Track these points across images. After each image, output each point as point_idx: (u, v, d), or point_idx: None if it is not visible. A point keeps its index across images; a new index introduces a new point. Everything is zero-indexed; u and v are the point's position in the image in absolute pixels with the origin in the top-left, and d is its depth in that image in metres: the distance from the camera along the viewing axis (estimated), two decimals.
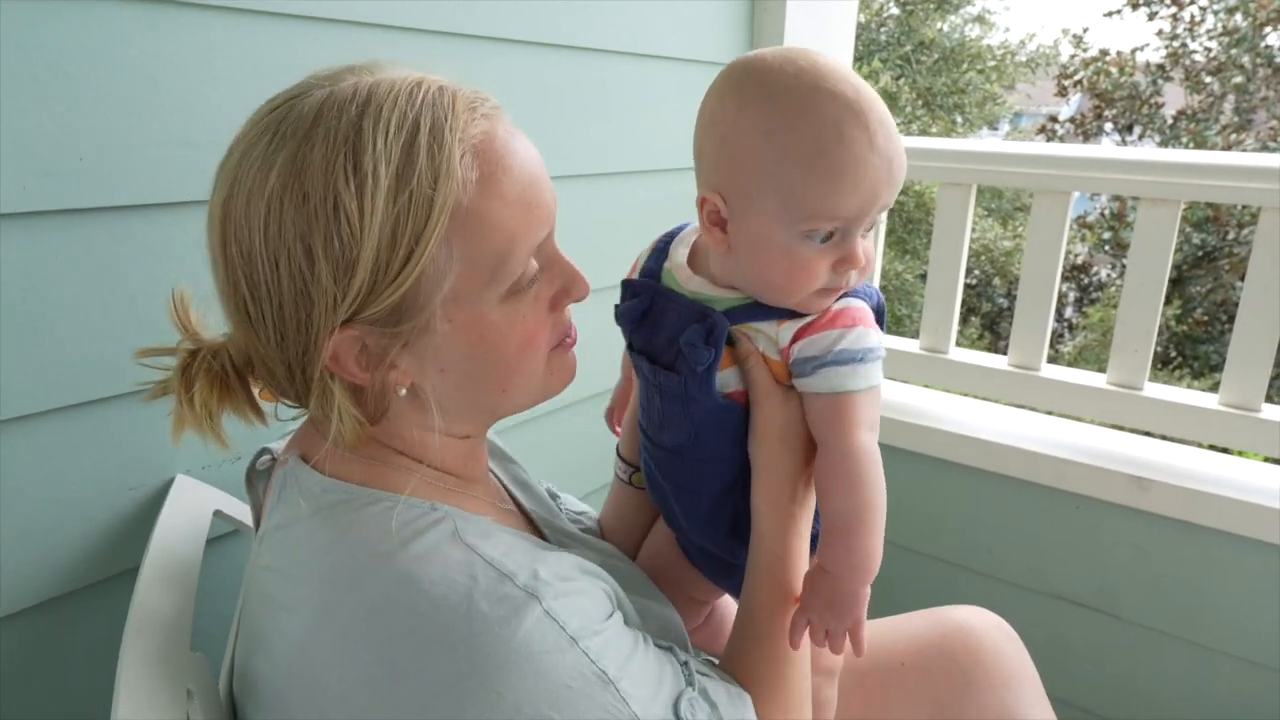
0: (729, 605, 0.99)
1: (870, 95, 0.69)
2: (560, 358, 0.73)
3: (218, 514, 0.92)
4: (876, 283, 1.80)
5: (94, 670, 0.91)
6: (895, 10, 11.37)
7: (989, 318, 11.97)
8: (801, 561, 0.78)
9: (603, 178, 1.44)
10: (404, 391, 0.66)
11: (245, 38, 0.91)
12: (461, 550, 0.62)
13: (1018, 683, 1.01)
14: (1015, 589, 1.64)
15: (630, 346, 0.82)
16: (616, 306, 0.82)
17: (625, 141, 1.45)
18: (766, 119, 0.68)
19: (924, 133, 11.23)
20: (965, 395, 1.76)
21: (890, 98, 10.56)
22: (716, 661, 0.80)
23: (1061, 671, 1.26)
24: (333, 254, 0.58)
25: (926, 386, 1.80)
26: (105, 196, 0.83)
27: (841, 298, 0.75)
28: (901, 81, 10.72)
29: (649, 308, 0.80)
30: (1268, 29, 11.61)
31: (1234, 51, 11.85)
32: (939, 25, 11.32)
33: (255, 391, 0.71)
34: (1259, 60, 11.74)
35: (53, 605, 0.88)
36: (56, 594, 0.87)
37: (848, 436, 0.73)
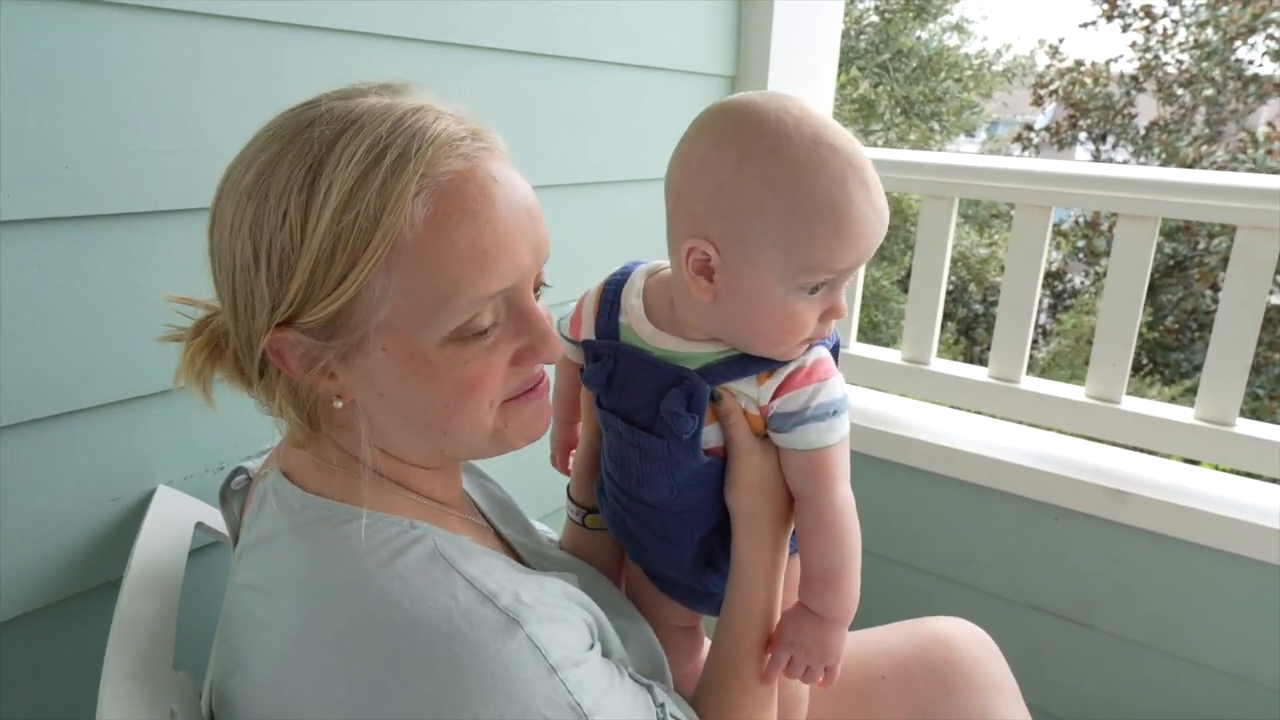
0: None
1: (861, 148, 0.70)
2: (517, 409, 0.69)
3: (199, 526, 0.91)
4: (858, 289, 1.81)
5: (75, 684, 0.90)
6: (874, 18, 11.45)
7: (964, 323, 12.09)
8: (780, 603, 0.80)
9: (592, 186, 1.43)
10: (339, 404, 0.65)
11: (231, 45, 0.90)
12: (442, 569, 0.61)
13: (997, 691, 1.02)
14: (994, 599, 1.65)
15: (598, 403, 0.81)
16: (581, 370, 0.82)
17: (614, 151, 1.45)
18: (771, 171, 0.67)
19: (902, 139, 11.32)
20: (946, 406, 1.78)
21: (869, 105, 10.63)
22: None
23: (1038, 681, 1.28)
24: (274, 258, 0.60)
25: (906, 397, 1.81)
26: (89, 204, 0.82)
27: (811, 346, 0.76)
28: (880, 89, 10.80)
29: (613, 370, 0.79)
30: (1237, 42, 11.83)
31: (1205, 64, 12.06)
32: (917, 34, 11.42)
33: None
34: (1229, 73, 11.96)
35: (34, 617, 0.86)
36: (38, 605, 0.86)
37: (829, 491, 0.75)
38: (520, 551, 0.84)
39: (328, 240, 0.58)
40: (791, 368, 0.74)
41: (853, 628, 1.08)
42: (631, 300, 0.80)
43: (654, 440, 0.77)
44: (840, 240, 0.68)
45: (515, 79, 1.24)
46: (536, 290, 0.71)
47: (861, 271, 1.82)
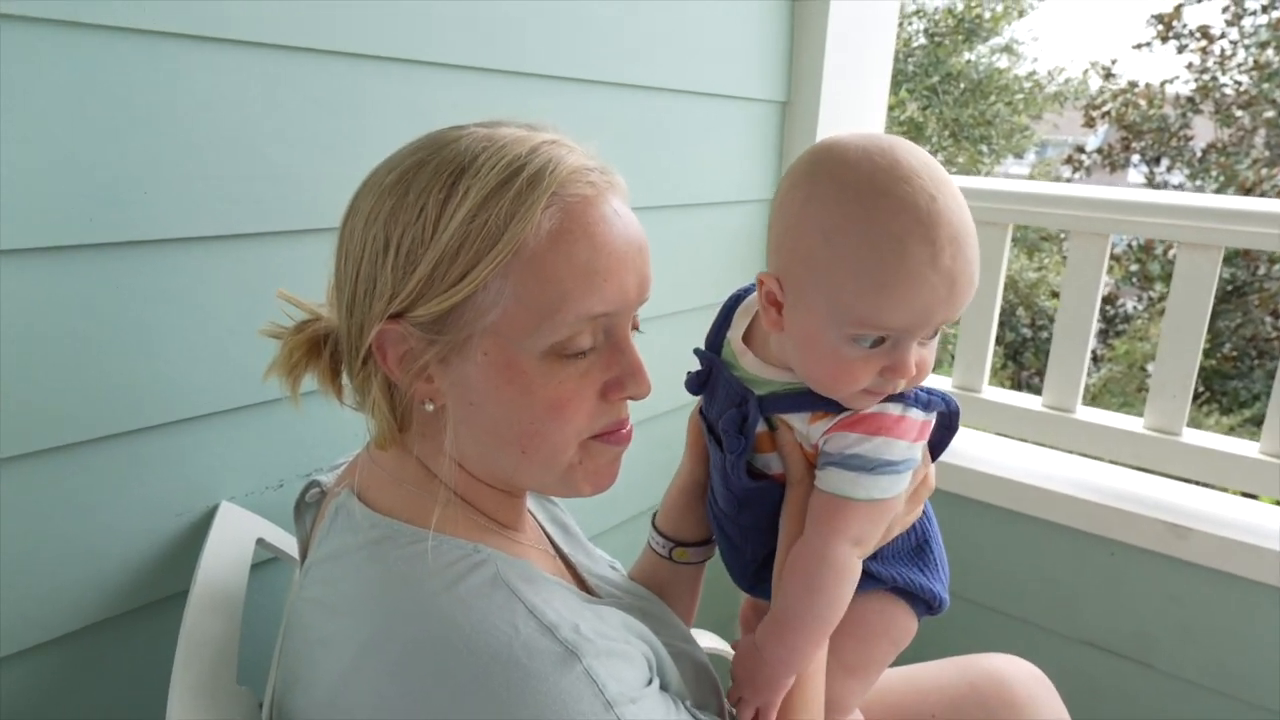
0: None
1: (947, 207, 0.64)
2: (598, 450, 0.70)
3: (260, 542, 0.93)
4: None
5: (141, 693, 0.92)
6: (923, 41, 11.40)
7: (1012, 347, 11.86)
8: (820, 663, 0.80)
9: (645, 211, 1.44)
10: (431, 407, 0.68)
11: (303, 74, 0.93)
12: (504, 595, 0.62)
13: None
14: (1047, 634, 1.61)
15: (701, 412, 0.85)
16: (688, 373, 0.84)
17: (668, 176, 1.46)
18: (829, 217, 0.66)
19: (950, 162, 11.21)
20: (998, 435, 1.75)
21: (917, 128, 10.56)
22: None
23: (1090, 719, 1.24)
24: (403, 247, 0.63)
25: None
26: (164, 229, 0.85)
27: (888, 400, 0.72)
28: (929, 112, 10.73)
29: (708, 378, 0.82)
30: None
31: (1265, 86, 11.76)
32: (967, 56, 11.34)
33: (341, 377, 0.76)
34: None
35: (103, 627, 0.89)
36: (106, 616, 0.88)
37: (825, 541, 0.73)
38: (583, 575, 0.84)
39: (456, 238, 0.62)
40: (846, 415, 0.73)
41: (902, 662, 1.08)
42: (739, 321, 0.82)
43: (718, 453, 0.80)
44: (887, 298, 0.65)
45: (573, 105, 1.26)
46: (633, 329, 0.73)
47: None
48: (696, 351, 0.84)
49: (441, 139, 0.67)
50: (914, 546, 0.85)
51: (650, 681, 0.66)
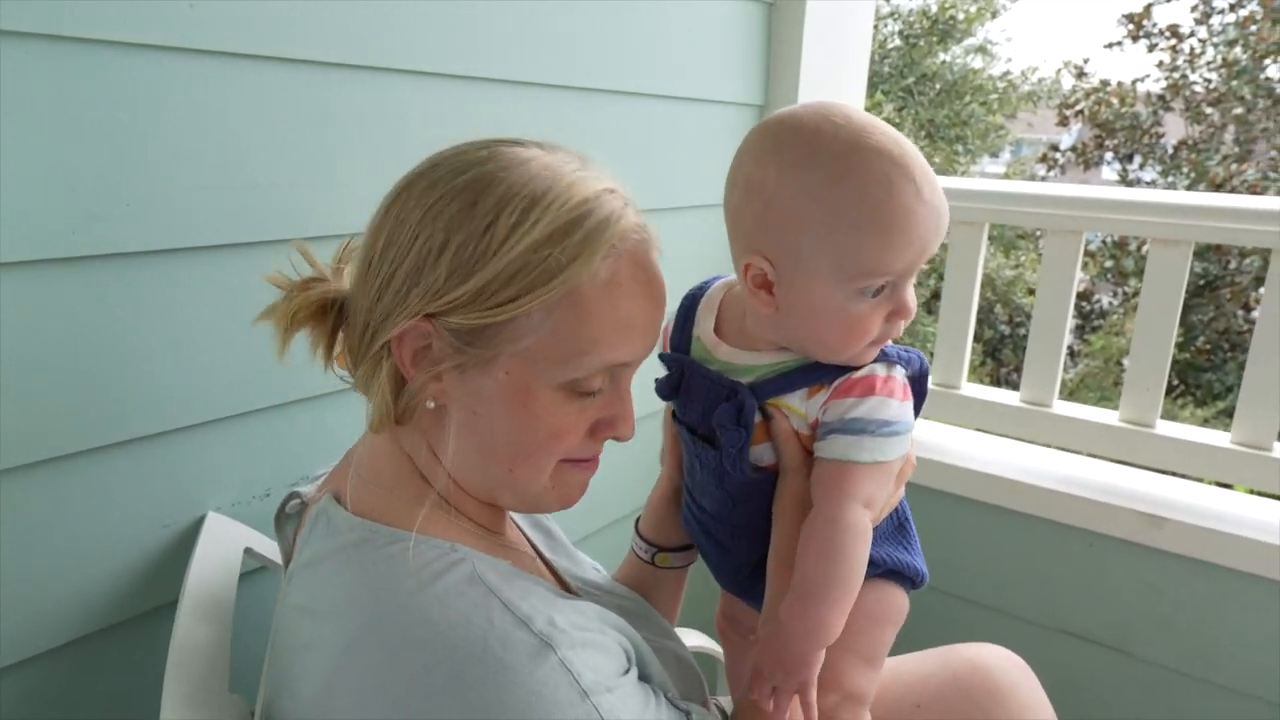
0: None
1: (912, 147, 0.69)
2: (569, 473, 0.73)
3: (248, 551, 0.93)
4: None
5: (133, 705, 0.92)
6: (898, 42, 11.49)
7: (991, 344, 11.99)
8: None
9: None
10: (432, 405, 0.68)
11: (284, 84, 0.94)
12: (480, 591, 0.63)
13: (1034, 717, 1.01)
14: (1026, 624, 1.64)
15: (675, 416, 0.85)
16: (656, 380, 0.84)
17: (646, 181, 1.47)
18: (812, 181, 0.68)
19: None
20: (976, 430, 1.77)
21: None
22: None
23: (1073, 708, 1.26)
24: (462, 255, 0.64)
25: (936, 421, 1.81)
26: (149, 240, 0.85)
27: (876, 361, 0.75)
28: (904, 113, 10.81)
29: (680, 380, 0.82)
30: (1267, 61, 11.71)
31: (1234, 83, 11.95)
32: (941, 57, 11.44)
33: (335, 345, 0.75)
34: (1259, 92, 11.83)
35: (92, 640, 0.89)
36: (96, 629, 0.88)
37: (838, 505, 0.73)
38: (565, 578, 0.85)
39: (516, 264, 0.63)
40: (840, 382, 0.74)
41: (889, 654, 1.09)
42: (705, 315, 0.82)
43: (709, 451, 0.79)
44: (889, 241, 0.68)
45: (550, 111, 1.27)
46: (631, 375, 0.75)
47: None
48: (663, 356, 0.84)
49: (510, 157, 0.68)
50: (896, 526, 0.87)
51: (627, 671, 0.67)
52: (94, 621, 0.88)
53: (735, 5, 1.57)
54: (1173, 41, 12.38)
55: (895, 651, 1.09)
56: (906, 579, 0.88)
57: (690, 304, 0.85)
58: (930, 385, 1.76)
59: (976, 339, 11.05)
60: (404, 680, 0.59)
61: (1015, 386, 1.70)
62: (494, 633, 0.60)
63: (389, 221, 0.68)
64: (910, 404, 0.77)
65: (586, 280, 0.65)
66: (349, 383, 0.74)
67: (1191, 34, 12.26)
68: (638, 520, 0.95)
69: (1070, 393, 10.04)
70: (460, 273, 0.64)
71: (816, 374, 0.75)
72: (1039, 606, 1.63)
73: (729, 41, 1.58)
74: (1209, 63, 12.02)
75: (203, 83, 0.87)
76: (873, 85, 10.62)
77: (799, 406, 0.76)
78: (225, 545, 0.90)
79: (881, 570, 0.84)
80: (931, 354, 1.78)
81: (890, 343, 0.77)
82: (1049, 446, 1.69)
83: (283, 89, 0.94)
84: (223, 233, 0.91)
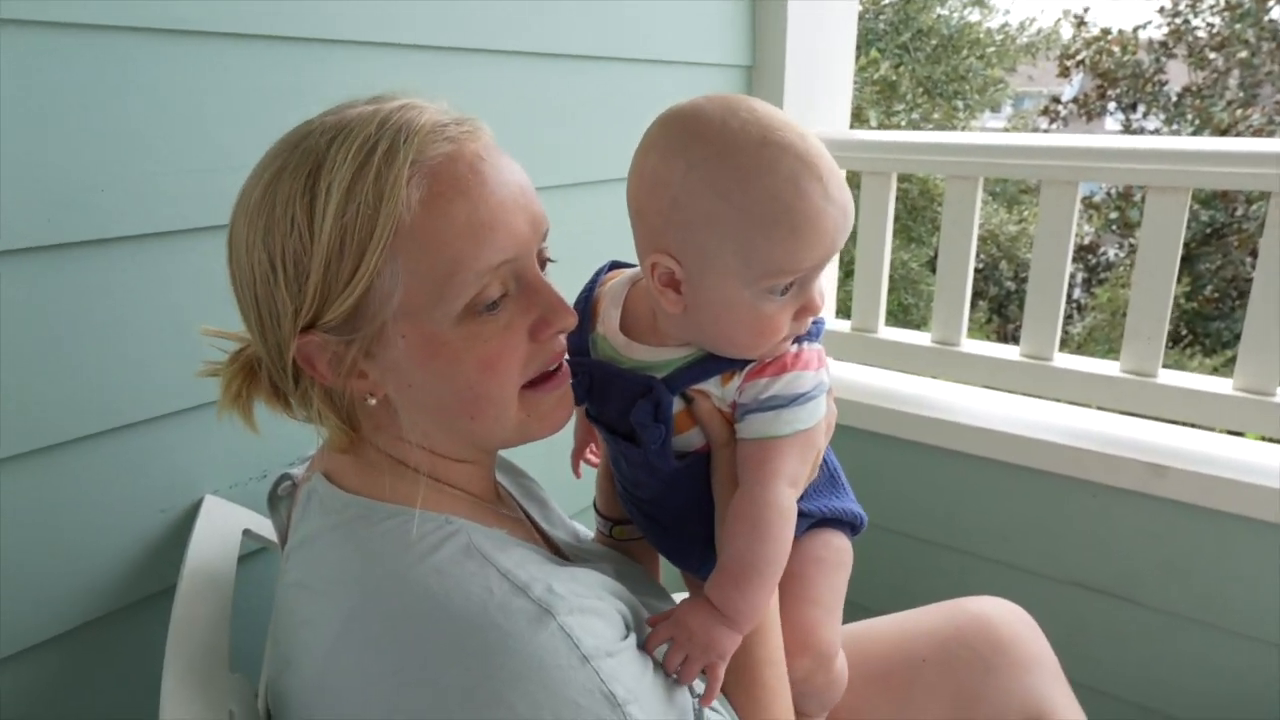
0: None
1: (817, 143, 0.68)
2: (539, 400, 0.71)
3: (246, 533, 0.94)
4: (884, 274, 1.80)
5: (136, 689, 0.93)
6: None
7: (996, 301, 11.93)
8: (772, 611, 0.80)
9: (612, 184, 1.45)
10: (373, 401, 0.68)
11: (253, 61, 0.93)
12: (477, 562, 0.63)
13: (1039, 667, 1.02)
14: (1034, 577, 1.64)
15: (589, 414, 0.83)
16: (571, 384, 0.81)
17: (622, 144, 1.45)
18: (720, 179, 0.67)
19: (925, 119, 11.16)
20: (979, 387, 1.77)
21: (890, 86, 10.50)
22: None
23: (1081, 657, 1.27)
24: (289, 263, 0.63)
25: (939, 379, 1.80)
26: (124, 226, 0.85)
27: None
28: (901, 70, 10.66)
29: (590, 383, 0.80)
30: (1271, 2, 11.50)
31: (1238, 26, 11.73)
32: (937, 11, 11.26)
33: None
34: (1263, 34, 11.62)
35: (94, 626, 0.90)
36: (97, 615, 0.89)
37: (764, 485, 0.73)
38: (561, 546, 0.85)
39: (334, 237, 0.62)
40: (751, 365, 0.74)
41: (892, 609, 1.10)
42: (610, 311, 0.80)
43: (632, 448, 0.78)
44: (799, 241, 0.67)
45: (531, 81, 1.26)
46: (543, 265, 0.72)
47: (887, 255, 1.81)
48: (570, 361, 0.80)
49: (291, 140, 0.66)
50: (828, 478, 0.89)
51: (626, 637, 0.67)
52: (95, 609, 0.89)
53: None
54: None
55: (905, 606, 1.10)
56: (846, 524, 0.90)
57: (584, 304, 0.83)
58: (929, 343, 1.76)
59: (982, 296, 11.04)
60: (403, 651, 0.60)
61: (1021, 337, 1.69)
62: (493, 601, 0.60)
63: (230, 266, 0.68)
64: (825, 368, 0.77)
65: (404, 212, 0.62)
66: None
67: None
68: (595, 500, 0.96)
69: (1079, 346, 10.01)
70: (299, 278, 0.63)
71: (727, 361, 0.75)
72: (1046, 558, 1.63)
73: (712, 2, 1.55)
74: (1211, 6, 11.79)
75: (171, 63, 0.86)
76: (868, 42, 10.47)
77: (715, 392, 0.75)
78: (223, 528, 0.91)
79: (816, 520, 0.86)
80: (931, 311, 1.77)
81: None
82: (1052, 400, 1.68)
83: (252, 66, 0.93)
84: (205, 214, 0.90)
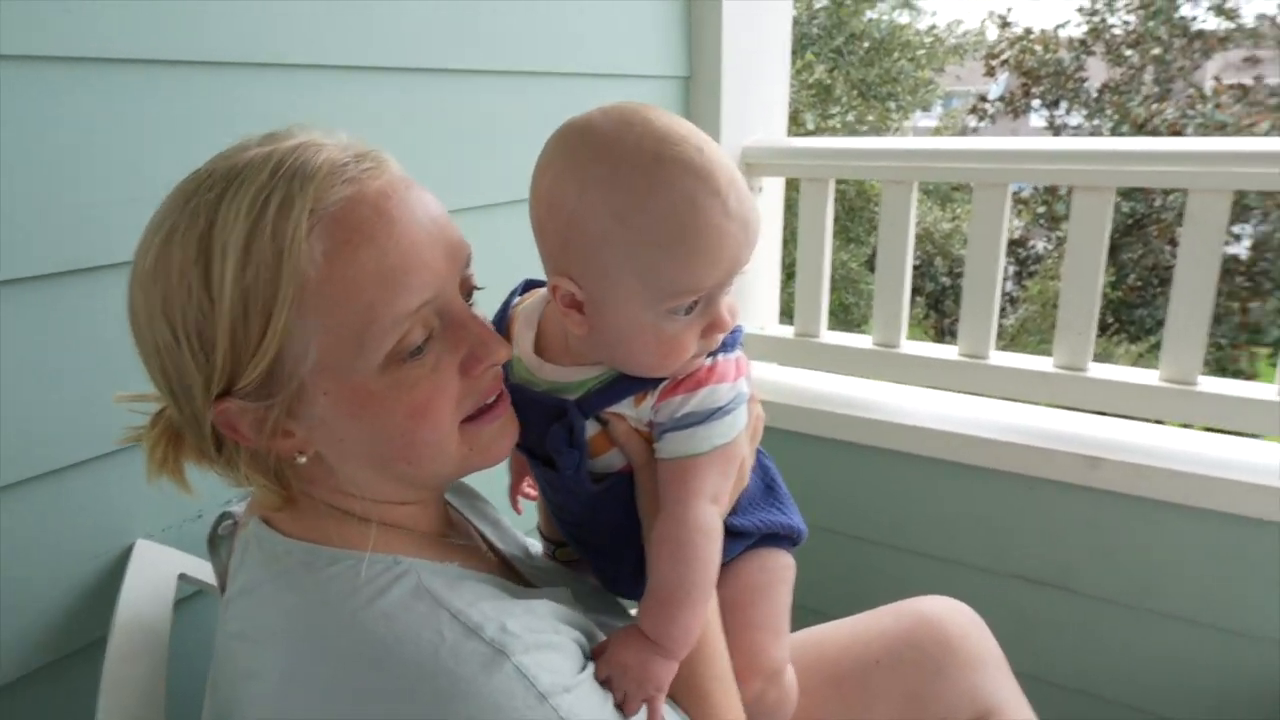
0: None
1: (715, 154, 0.66)
2: (478, 432, 0.69)
3: (182, 577, 0.90)
4: (825, 273, 1.82)
5: None
6: (826, 2, 11.48)
7: (933, 297, 12.24)
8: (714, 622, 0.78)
9: None
10: (303, 459, 0.65)
11: (159, 89, 0.89)
12: (427, 604, 0.62)
13: (985, 665, 1.04)
14: (977, 572, 1.68)
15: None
16: None
17: None
18: (614, 199, 0.65)
19: (860, 121, 11.37)
20: (920, 386, 1.80)
21: (825, 90, 10.67)
22: None
23: (1026, 647, 1.30)
24: (192, 333, 0.60)
25: (881, 380, 1.83)
26: (43, 264, 0.81)
27: None
28: (835, 73, 10.84)
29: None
30: (1181, 0, 12.01)
31: (1150, 24, 12.23)
32: (868, 14, 11.47)
33: None
34: (1174, 31, 12.14)
35: (19, 685, 0.85)
36: (23, 673, 0.85)
37: (685, 505, 0.71)
38: (517, 565, 0.84)
39: (236, 302, 0.58)
40: (666, 383, 0.73)
41: (842, 614, 1.11)
42: (524, 332, 0.78)
43: (554, 473, 0.77)
44: (699, 260, 0.65)
45: (460, 100, 1.24)
46: (469, 295, 0.69)
47: (828, 260, 1.83)
48: None
49: (180, 196, 0.62)
50: (764, 489, 0.87)
51: (584, 668, 0.66)
52: (22, 665, 0.85)
53: None
54: None
55: (854, 609, 1.11)
56: (785, 539, 0.88)
57: (498, 326, 0.81)
58: (871, 345, 1.79)
59: (919, 293, 11.27)
60: (354, 700, 0.58)
61: (958, 337, 1.73)
62: (444, 646, 0.59)
63: (135, 339, 0.64)
64: (743, 377, 0.76)
65: (308, 266, 0.58)
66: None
67: None
68: (539, 524, 0.95)
69: (1012, 338, 10.30)
70: (205, 347, 0.60)
71: (640, 381, 0.73)
72: (989, 554, 1.67)
73: (646, 13, 1.56)
74: (1126, 4, 12.28)
75: (78, 93, 0.82)
76: (803, 46, 10.61)
77: (630, 413, 0.74)
78: (156, 573, 0.88)
79: (756, 539, 0.84)
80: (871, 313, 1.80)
81: None
82: (991, 397, 1.72)
83: (161, 93, 0.89)
84: (122, 249, 0.87)
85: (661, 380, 0.73)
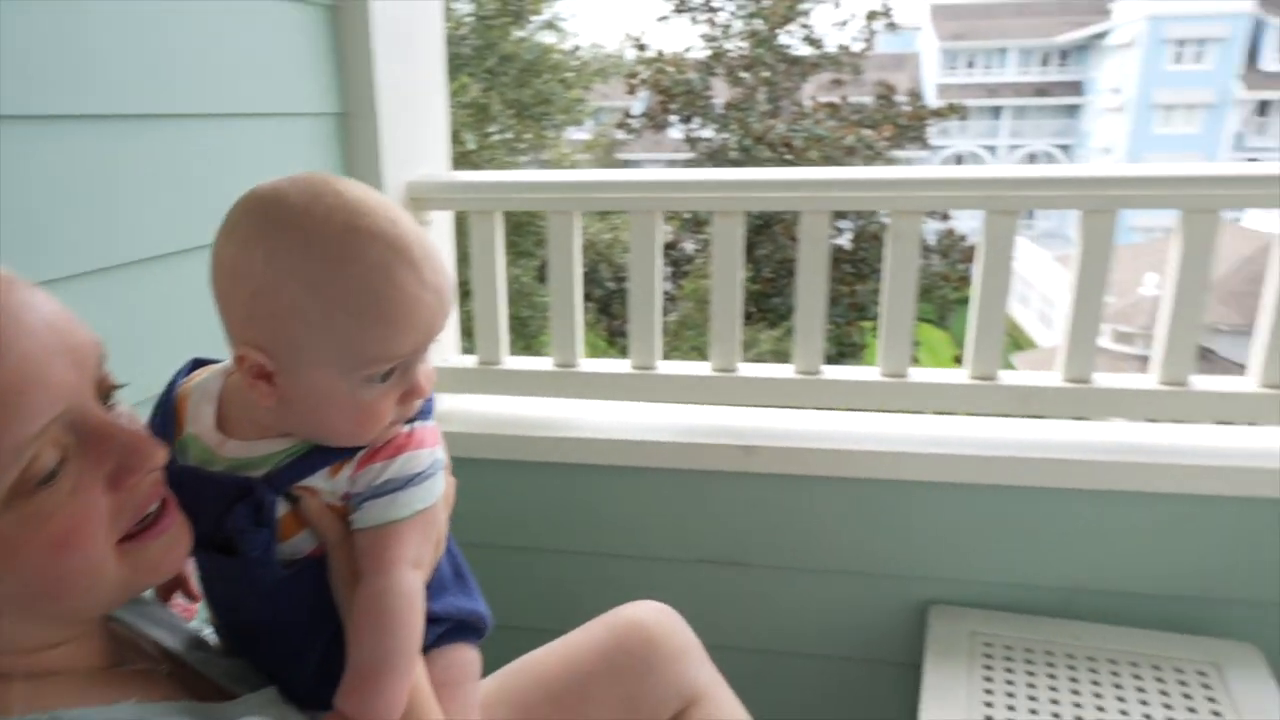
0: None
1: (409, 227, 0.67)
2: (140, 552, 0.62)
3: None
4: (502, 299, 1.87)
5: None
6: (471, 18, 11.61)
7: (601, 301, 13.01)
8: (421, 692, 0.75)
9: (194, 252, 1.30)
10: None
11: None
12: None
13: (686, 655, 1.15)
14: (668, 563, 1.84)
15: None
16: None
17: (206, 213, 1.34)
18: (306, 269, 0.64)
19: (519, 139, 11.70)
20: (600, 400, 1.92)
21: (482, 109, 10.80)
22: None
23: (716, 623, 1.45)
24: None
25: (562, 398, 1.93)
26: None
27: None
28: (491, 93, 11.02)
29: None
30: (779, 30, 13.93)
31: (759, 50, 14.04)
32: (517, 34, 11.81)
33: None
34: (778, 57, 14.05)
35: None
36: None
37: (386, 573, 0.70)
38: (209, 673, 0.76)
39: None
40: (361, 453, 0.72)
41: (560, 629, 1.16)
42: (202, 407, 0.74)
43: (228, 561, 0.72)
44: (393, 329, 0.66)
45: (74, 151, 1.09)
46: (108, 396, 0.63)
47: (503, 288, 1.88)
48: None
49: None
50: (454, 574, 0.85)
51: None
52: None
53: (293, 11, 1.48)
54: (709, 15, 14.16)
55: (573, 622, 1.17)
56: (472, 629, 0.87)
57: (166, 407, 0.76)
58: (551, 367, 1.87)
59: (588, 299, 11.88)
60: None
61: (627, 337, 1.87)
62: None
63: None
64: (440, 444, 0.77)
65: None
66: None
67: (722, 8, 14.13)
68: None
69: (674, 334, 11.24)
70: None
71: (335, 451, 0.71)
72: (673, 545, 1.83)
73: (292, 48, 1.49)
74: (739, 33, 13.97)
75: None
76: (457, 67, 10.64)
77: (325, 486, 0.72)
78: None
79: (447, 627, 0.82)
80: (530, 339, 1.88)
81: None
82: (661, 402, 1.89)
83: None
84: None
85: (358, 450, 0.72)
